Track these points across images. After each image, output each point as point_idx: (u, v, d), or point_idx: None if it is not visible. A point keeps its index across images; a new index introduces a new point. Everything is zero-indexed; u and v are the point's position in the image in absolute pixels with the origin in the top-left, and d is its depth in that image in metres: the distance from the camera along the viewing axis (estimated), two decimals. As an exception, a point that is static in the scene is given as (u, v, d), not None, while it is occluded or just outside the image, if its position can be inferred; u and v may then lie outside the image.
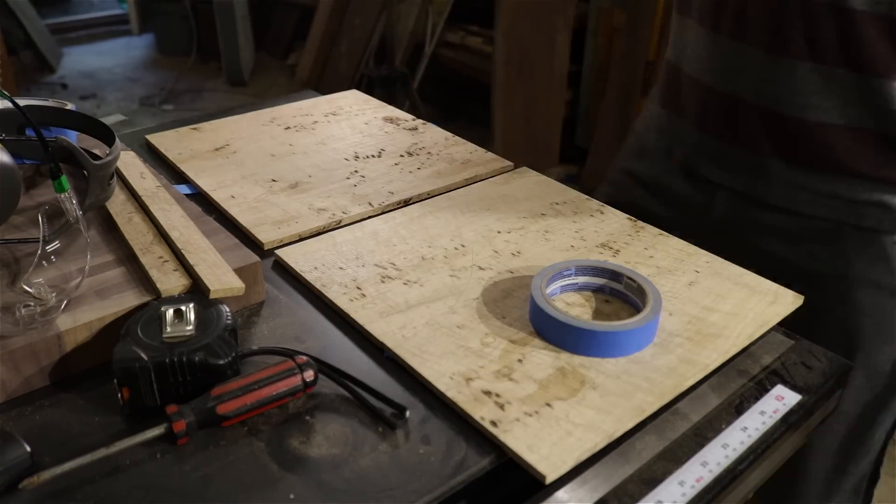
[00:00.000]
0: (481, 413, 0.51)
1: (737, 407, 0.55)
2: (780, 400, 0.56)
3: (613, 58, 2.55)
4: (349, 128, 0.99)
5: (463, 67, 3.12)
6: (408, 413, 0.52)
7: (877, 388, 0.79)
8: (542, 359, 0.56)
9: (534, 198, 0.81)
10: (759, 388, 0.57)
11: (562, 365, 0.55)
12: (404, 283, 0.65)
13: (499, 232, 0.74)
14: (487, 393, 0.53)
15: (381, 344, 0.58)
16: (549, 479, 0.47)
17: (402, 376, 0.56)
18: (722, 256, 0.69)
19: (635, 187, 0.93)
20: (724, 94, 0.79)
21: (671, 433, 0.52)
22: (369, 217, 0.77)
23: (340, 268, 0.67)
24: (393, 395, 0.54)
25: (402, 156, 0.91)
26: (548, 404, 0.52)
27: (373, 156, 0.91)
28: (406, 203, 0.81)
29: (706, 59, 0.80)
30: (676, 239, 0.73)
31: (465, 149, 0.93)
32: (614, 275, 0.63)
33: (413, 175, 0.86)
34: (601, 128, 2.52)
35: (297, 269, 0.67)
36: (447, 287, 0.65)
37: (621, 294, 0.63)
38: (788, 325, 0.63)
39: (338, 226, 0.76)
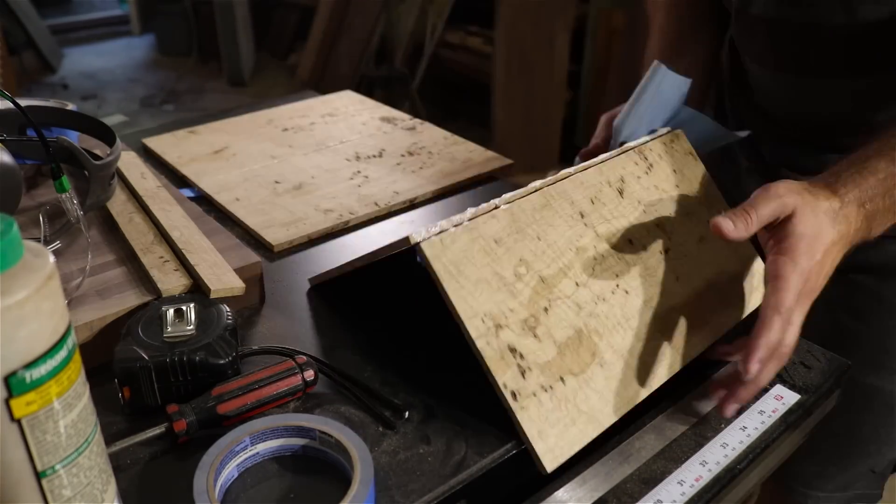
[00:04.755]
0: (504, 379, 0.50)
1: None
2: (780, 399, 0.56)
3: (613, 58, 2.55)
4: (347, 128, 0.99)
5: (463, 67, 3.12)
6: (407, 414, 0.52)
7: None
8: (565, 312, 0.55)
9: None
10: (758, 388, 0.57)
11: (580, 325, 0.55)
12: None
13: None
14: (513, 351, 0.52)
15: (416, 246, 0.52)
16: (549, 471, 0.48)
17: (403, 377, 0.56)
18: None
19: None
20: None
21: (670, 432, 0.52)
22: (376, 217, 0.77)
23: None
24: (393, 395, 0.54)
25: (403, 156, 0.91)
26: (561, 378, 0.52)
27: (374, 156, 0.91)
28: (412, 203, 0.81)
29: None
30: (705, 173, 0.70)
31: (464, 148, 0.93)
32: (303, 431, 0.48)
33: (416, 174, 0.86)
34: (601, 128, 2.52)
35: (336, 268, 0.63)
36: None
37: (319, 454, 0.49)
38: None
39: (345, 226, 0.76)
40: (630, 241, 0.61)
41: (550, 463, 0.48)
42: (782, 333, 0.53)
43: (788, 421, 0.54)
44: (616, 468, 0.50)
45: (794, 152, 0.78)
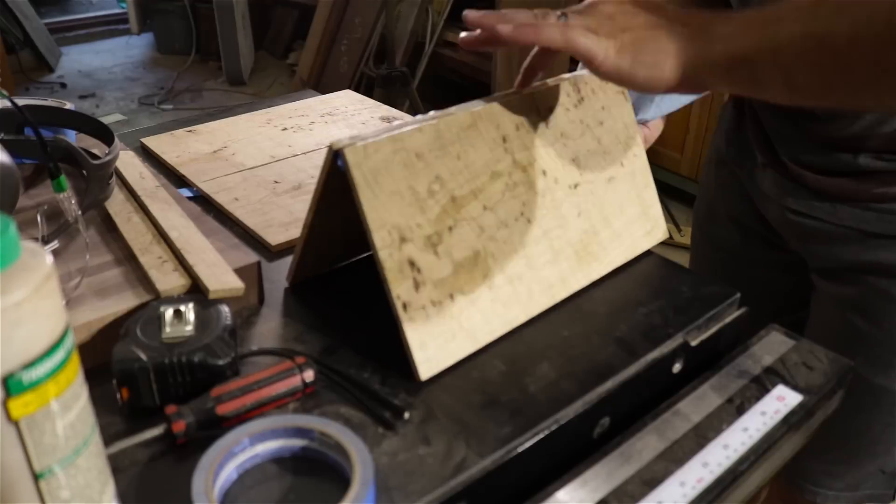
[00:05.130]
0: (399, 290, 0.53)
1: (738, 407, 0.55)
2: (782, 400, 0.56)
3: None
4: (347, 128, 0.99)
5: (463, 67, 3.12)
6: (407, 414, 0.52)
7: None
8: (468, 233, 0.58)
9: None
10: (760, 389, 0.57)
11: (479, 248, 0.58)
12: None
13: None
14: (412, 264, 0.55)
15: (338, 151, 0.52)
16: (423, 378, 0.53)
17: (403, 377, 0.56)
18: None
19: None
20: None
21: (672, 433, 0.52)
22: None
23: None
24: (393, 395, 0.53)
25: (401, 155, 0.91)
26: (451, 295, 0.55)
27: (373, 155, 0.91)
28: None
29: None
30: (631, 114, 0.72)
31: (464, 148, 0.93)
32: (302, 432, 0.48)
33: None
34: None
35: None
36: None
37: (319, 455, 0.48)
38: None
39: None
40: (544, 173, 0.64)
41: (426, 371, 0.53)
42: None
43: (790, 422, 0.54)
44: (617, 469, 0.49)
45: (807, 148, 0.78)
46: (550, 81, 0.66)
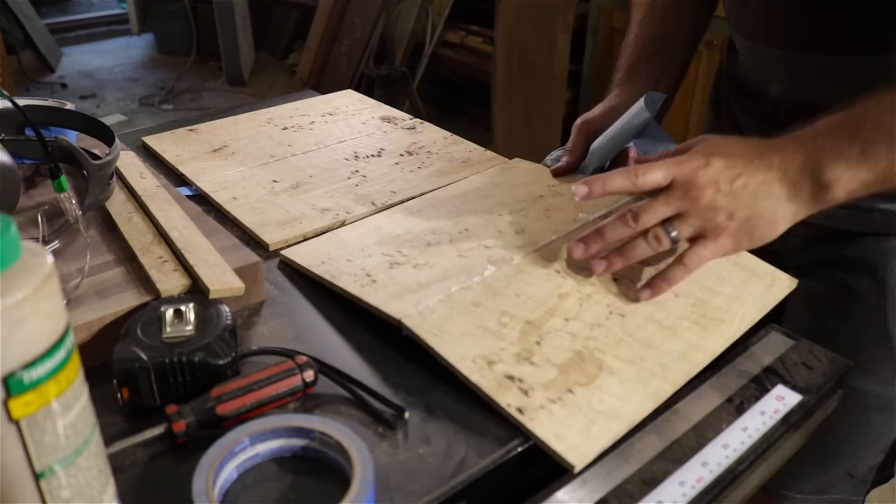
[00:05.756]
0: (507, 399, 0.51)
1: (737, 407, 0.55)
2: (781, 400, 0.56)
3: (613, 58, 2.54)
4: (347, 128, 0.99)
5: (463, 67, 3.11)
6: (407, 414, 0.52)
7: None
8: (560, 341, 0.56)
9: (530, 183, 0.81)
10: (759, 389, 0.57)
11: (578, 348, 0.56)
12: (413, 267, 0.65)
13: (500, 214, 0.74)
14: (511, 378, 0.53)
15: (399, 322, 0.57)
16: (578, 469, 0.48)
17: (403, 377, 0.56)
18: None
19: None
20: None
21: (671, 433, 0.52)
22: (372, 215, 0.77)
23: (348, 259, 0.67)
24: (393, 395, 0.53)
25: (401, 155, 0.91)
26: (569, 390, 0.52)
27: (373, 155, 0.91)
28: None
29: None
30: None
31: (464, 147, 0.93)
32: (302, 432, 0.48)
33: (414, 174, 0.86)
34: (601, 128, 2.52)
35: (306, 265, 0.67)
36: (457, 266, 0.64)
37: (319, 455, 0.48)
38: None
39: (342, 226, 0.76)
40: (615, 280, 0.63)
41: (577, 459, 0.48)
42: (628, 184, 0.58)
43: (790, 421, 0.54)
44: (616, 469, 0.49)
45: None
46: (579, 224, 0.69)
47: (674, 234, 0.58)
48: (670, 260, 0.61)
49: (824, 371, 0.59)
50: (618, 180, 0.59)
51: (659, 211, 0.59)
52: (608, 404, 0.52)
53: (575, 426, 0.50)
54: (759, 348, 0.61)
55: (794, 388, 0.57)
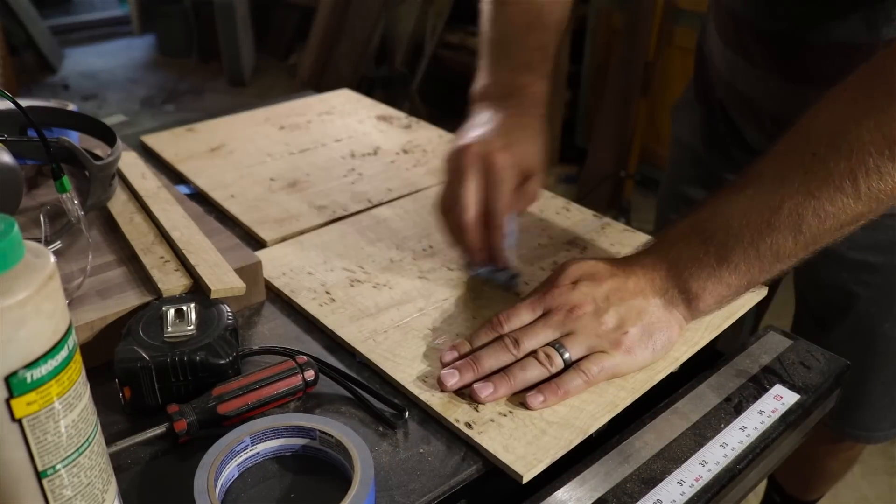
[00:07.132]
0: (455, 415, 0.52)
1: (735, 406, 0.55)
2: (779, 399, 0.56)
3: (612, 59, 2.55)
4: (343, 126, 0.99)
5: (463, 68, 3.11)
6: (407, 413, 0.52)
7: None
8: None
9: None
10: (757, 388, 0.57)
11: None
12: (373, 287, 0.65)
13: None
14: (462, 395, 0.53)
15: (353, 349, 0.58)
16: (526, 479, 0.48)
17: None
18: None
19: None
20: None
21: (670, 432, 0.52)
22: (339, 219, 0.77)
23: (308, 272, 0.67)
24: (393, 395, 0.54)
25: (397, 153, 0.91)
26: (521, 404, 0.53)
27: (369, 154, 0.91)
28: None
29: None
30: (642, 234, 0.74)
31: (463, 148, 0.93)
32: (303, 431, 0.48)
33: (410, 172, 0.87)
34: (600, 128, 2.52)
35: (265, 275, 0.66)
36: (417, 289, 0.65)
37: (319, 454, 0.49)
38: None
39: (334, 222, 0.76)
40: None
41: (524, 469, 0.48)
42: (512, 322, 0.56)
43: (788, 421, 0.54)
44: (616, 468, 0.50)
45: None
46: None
47: (566, 355, 0.54)
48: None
49: (822, 370, 0.59)
50: (485, 347, 0.55)
51: (541, 334, 0.55)
52: (561, 414, 0.52)
53: (524, 437, 0.50)
54: (757, 348, 0.61)
55: (793, 387, 0.57)
